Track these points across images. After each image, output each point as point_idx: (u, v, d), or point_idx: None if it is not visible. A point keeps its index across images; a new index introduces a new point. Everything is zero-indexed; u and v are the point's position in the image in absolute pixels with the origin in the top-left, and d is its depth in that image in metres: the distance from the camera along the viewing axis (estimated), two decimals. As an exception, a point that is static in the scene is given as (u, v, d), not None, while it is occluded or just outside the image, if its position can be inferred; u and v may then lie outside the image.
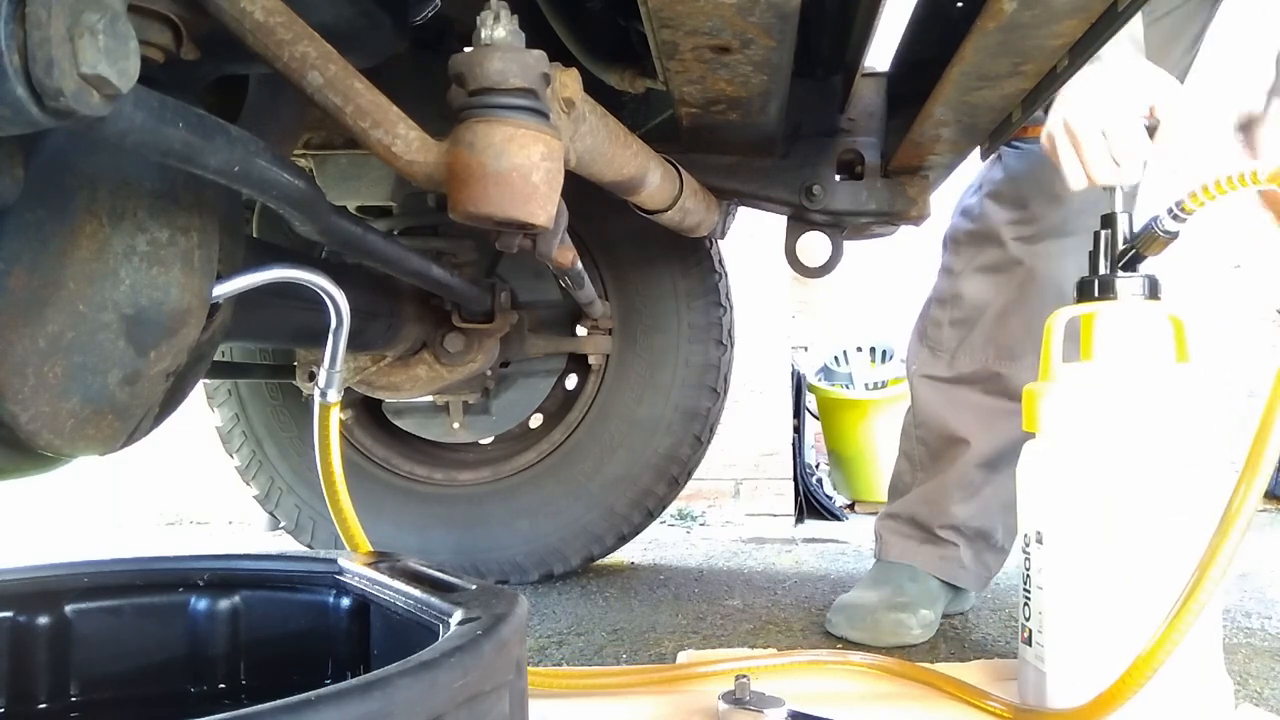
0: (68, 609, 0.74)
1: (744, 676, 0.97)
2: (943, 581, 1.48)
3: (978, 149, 1.33)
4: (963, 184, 1.56)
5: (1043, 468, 1.00)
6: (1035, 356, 1.43)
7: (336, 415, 0.91)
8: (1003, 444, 1.47)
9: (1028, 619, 1.01)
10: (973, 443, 1.48)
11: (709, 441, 1.85)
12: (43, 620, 0.73)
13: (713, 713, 0.98)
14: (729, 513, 2.94)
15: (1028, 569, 1.01)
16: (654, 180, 1.13)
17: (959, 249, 1.54)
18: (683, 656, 1.26)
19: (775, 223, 1.48)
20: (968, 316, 1.51)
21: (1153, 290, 0.99)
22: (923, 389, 1.56)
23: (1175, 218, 0.94)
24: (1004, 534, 1.51)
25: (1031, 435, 1.03)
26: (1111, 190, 1.06)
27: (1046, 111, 1.14)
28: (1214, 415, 0.95)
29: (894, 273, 3.59)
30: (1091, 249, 1.04)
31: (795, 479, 2.97)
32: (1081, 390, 0.97)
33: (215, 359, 1.07)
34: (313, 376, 1.40)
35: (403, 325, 1.43)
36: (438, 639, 0.53)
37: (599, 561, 1.99)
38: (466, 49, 0.74)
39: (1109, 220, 1.02)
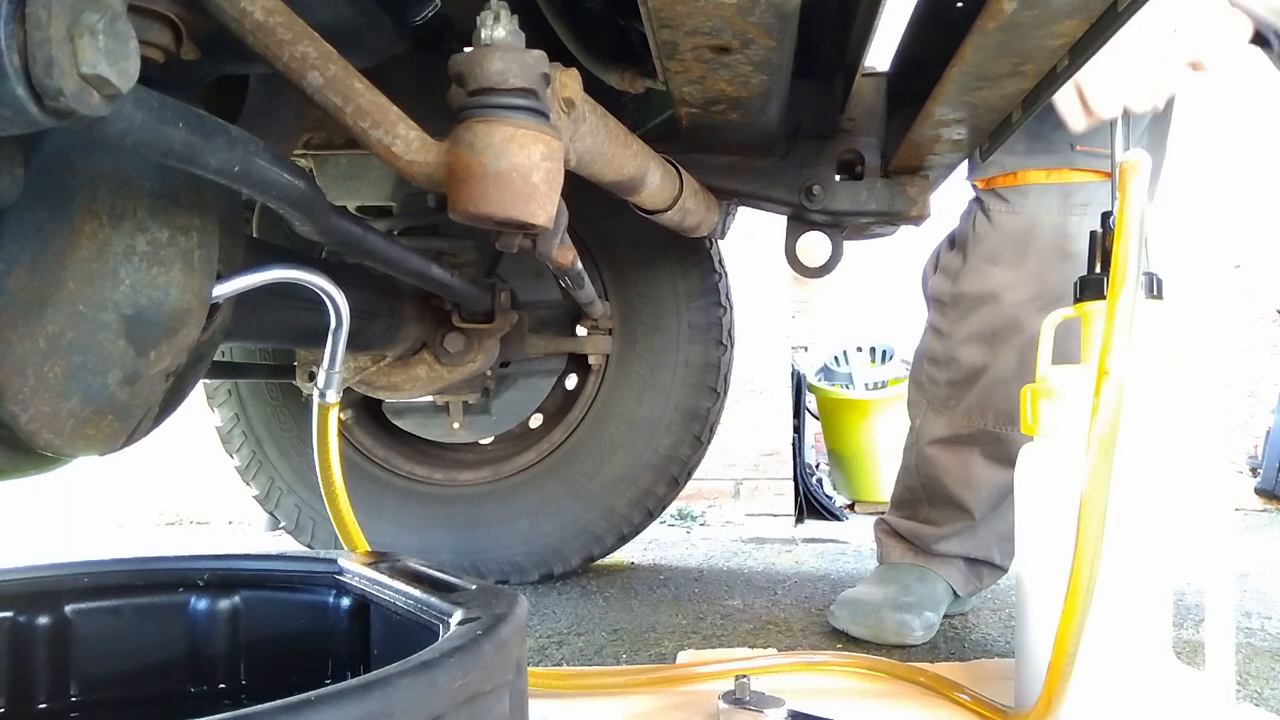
0: (68, 609, 0.74)
1: (744, 676, 0.97)
2: (948, 583, 1.49)
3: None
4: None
5: (1037, 470, 1.00)
6: None
7: (336, 415, 0.91)
8: (1000, 499, 1.46)
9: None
10: (975, 513, 1.47)
11: (709, 441, 1.85)
12: (43, 620, 0.73)
13: (713, 713, 0.98)
14: (729, 513, 2.94)
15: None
16: (654, 180, 1.13)
17: (945, 310, 1.49)
18: (683, 656, 1.26)
19: (775, 223, 1.47)
20: (965, 379, 1.47)
21: (1152, 289, 0.98)
22: (927, 447, 1.52)
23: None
24: (1001, 558, 1.51)
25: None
26: (1113, 124, 1.08)
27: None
28: (1206, 418, 0.95)
29: (894, 273, 3.59)
30: (1089, 246, 1.04)
31: (795, 479, 2.97)
32: (1074, 392, 0.97)
33: (215, 359, 1.07)
34: (313, 376, 1.40)
35: (403, 325, 1.43)
36: (438, 639, 0.52)
37: (599, 561, 1.99)
38: (466, 49, 0.74)
39: (1107, 218, 1.02)
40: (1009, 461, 1.42)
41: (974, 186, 1.48)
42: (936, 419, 1.51)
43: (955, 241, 1.51)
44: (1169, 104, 1.37)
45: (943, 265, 1.51)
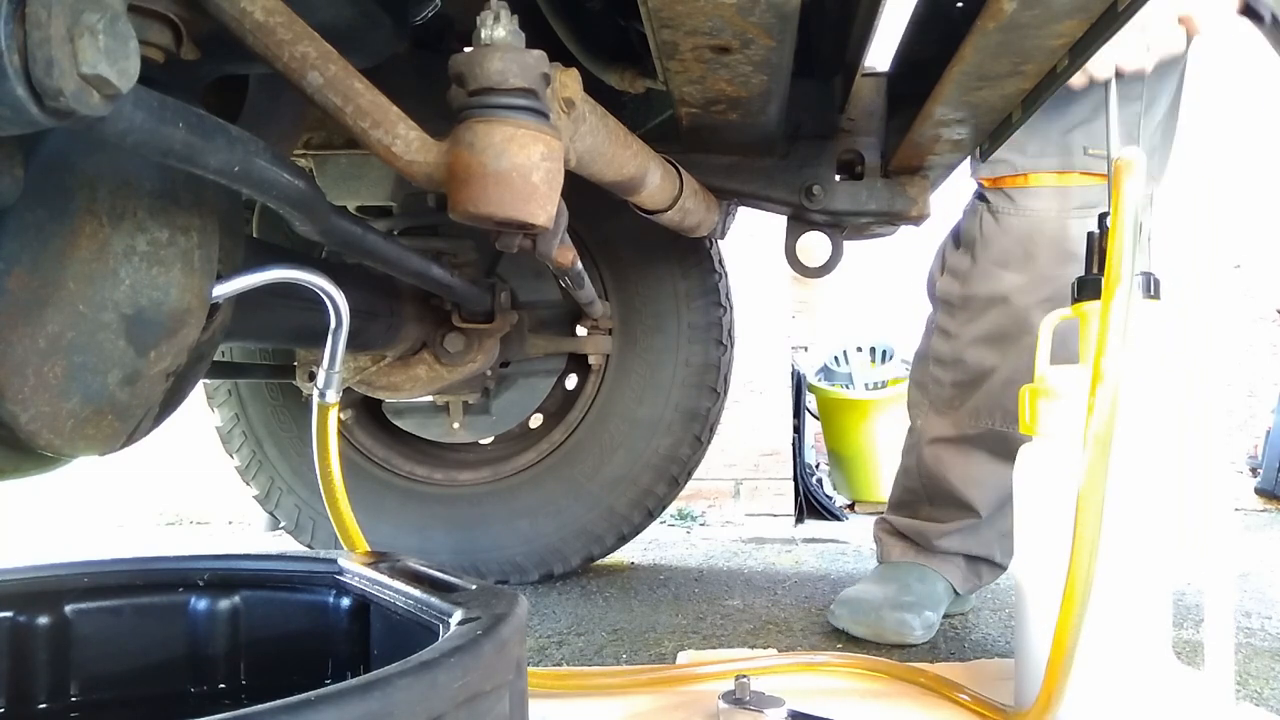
0: (68, 609, 0.74)
1: (744, 676, 0.97)
2: (948, 582, 1.49)
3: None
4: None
5: (1035, 470, 1.00)
6: None
7: (335, 416, 0.91)
8: (1005, 496, 1.45)
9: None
10: (980, 510, 1.47)
11: (709, 441, 1.85)
12: (43, 620, 0.73)
13: (713, 713, 0.98)
14: (729, 513, 2.94)
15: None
16: (654, 180, 1.13)
17: (954, 311, 1.49)
18: (683, 657, 1.26)
19: (775, 223, 1.47)
20: (973, 380, 1.47)
21: (1149, 288, 0.98)
22: (928, 446, 1.52)
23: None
24: (1001, 555, 1.51)
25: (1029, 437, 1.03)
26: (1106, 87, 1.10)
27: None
28: (1207, 416, 0.95)
29: (894, 273, 3.59)
30: (1086, 247, 1.04)
31: (795, 479, 2.97)
32: (1073, 392, 0.97)
33: (215, 359, 1.07)
34: (313, 376, 1.39)
35: (403, 325, 1.43)
36: (438, 639, 0.52)
37: (599, 561, 1.99)
38: (466, 49, 0.74)
39: (1104, 219, 1.02)
40: (1014, 458, 1.44)
41: (979, 184, 1.48)
42: (940, 419, 1.51)
43: (961, 241, 1.51)
44: (1178, 97, 1.38)
45: (950, 266, 1.51)
